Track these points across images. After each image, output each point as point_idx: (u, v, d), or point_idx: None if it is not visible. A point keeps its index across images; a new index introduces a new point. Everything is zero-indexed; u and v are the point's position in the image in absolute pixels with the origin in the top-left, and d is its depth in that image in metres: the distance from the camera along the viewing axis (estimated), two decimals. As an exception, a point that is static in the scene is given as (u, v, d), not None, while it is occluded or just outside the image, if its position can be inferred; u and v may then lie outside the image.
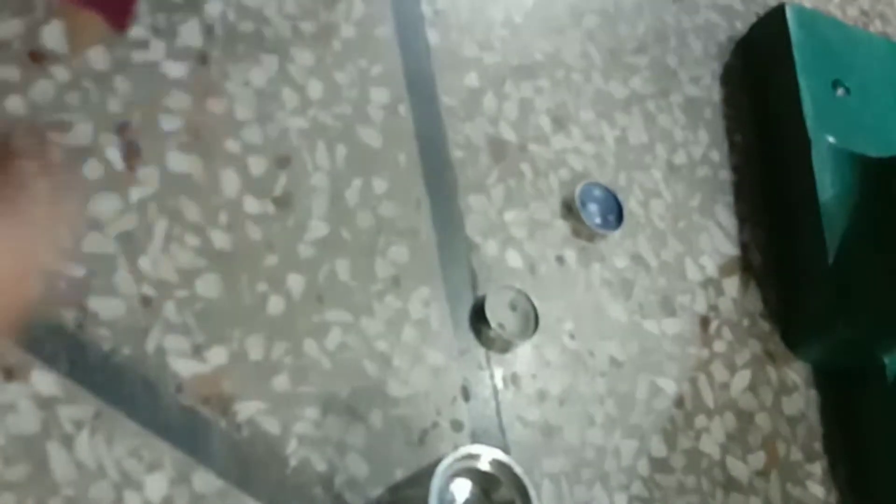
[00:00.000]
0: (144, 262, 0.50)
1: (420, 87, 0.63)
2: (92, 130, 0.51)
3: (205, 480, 0.47)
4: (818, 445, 0.63)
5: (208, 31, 0.57)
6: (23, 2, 0.53)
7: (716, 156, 0.70)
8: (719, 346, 0.62)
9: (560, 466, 0.55)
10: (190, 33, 0.57)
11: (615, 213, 0.64)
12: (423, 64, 0.65)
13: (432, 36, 0.66)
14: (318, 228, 0.55)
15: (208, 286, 0.51)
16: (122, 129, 0.52)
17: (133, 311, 0.48)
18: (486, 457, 0.50)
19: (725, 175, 0.70)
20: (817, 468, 0.62)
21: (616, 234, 0.64)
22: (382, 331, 0.54)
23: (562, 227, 0.63)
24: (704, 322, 0.62)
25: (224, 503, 0.47)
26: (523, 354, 0.57)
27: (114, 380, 0.47)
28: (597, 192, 0.65)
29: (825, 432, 0.63)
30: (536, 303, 0.58)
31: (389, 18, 0.65)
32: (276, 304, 0.52)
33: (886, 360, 0.61)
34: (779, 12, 0.73)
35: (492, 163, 0.63)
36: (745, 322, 0.64)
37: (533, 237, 0.62)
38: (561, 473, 0.55)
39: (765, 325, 0.65)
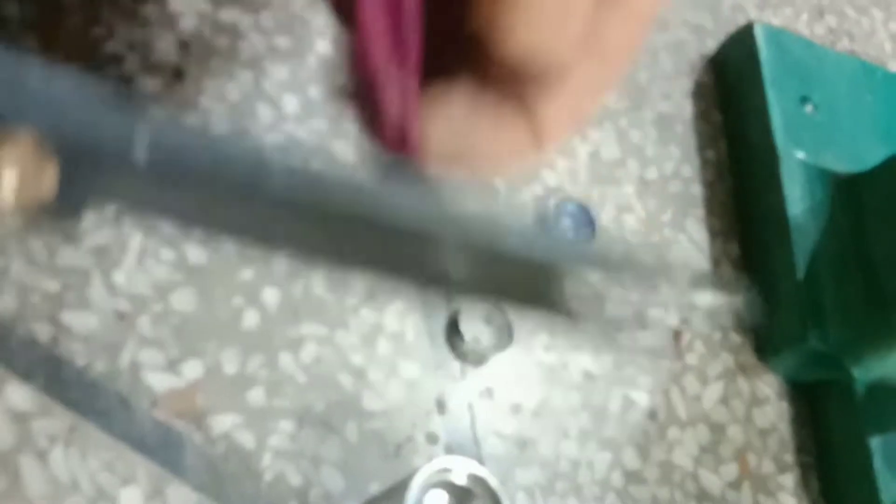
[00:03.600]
0: (119, 276, 0.49)
1: (394, 102, 0.64)
2: (66, 145, 0.51)
3: (179, 494, 0.47)
4: (790, 457, 0.63)
5: (183, 45, 0.57)
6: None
7: (687, 171, 0.71)
8: (691, 359, 0.63)
9: (534, 479, 0.55)
10: (165, 48, 0.57)
11: (588, 227, 0.65)
12: (397, 80, 0.65)
13: (406, 52, 0.66)
14: (293, 242, 0.55)
15: (183, 300, 0.51)
16: (96, 143, 0.52)
17: (107, 326, 0.48)
18: (461, 469, 0.50)
19: (697, 190, 0.70)
20: (789, 480, 0.62)
21: (589, 249, 0.64)
22: (357, 344, 0.54)
23: (535, 241, 0.63)
24: (677, 335, 0.63)
25: (199, 517, 0.47)
26: (498, 367, 0.57)
27: (88, 394, 0.47)
28: (570, 207, 0.65)
29: (797, 444, 0.64)
30: (511, 316, 0.58)
31: (364, 34, 0.65)
32: (251, 318, 0.52)
33: (856, 374, 0.62)
34: (748, 31, 0.74)
35: (466, 178, 0.63)
36: (718, 335, 0.64)
37: (507, 251, 0.62)
38: (535, 486, 0.55)
39: (737, 338, 0.65)
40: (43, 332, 0.47)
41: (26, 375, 0.46)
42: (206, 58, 0.57)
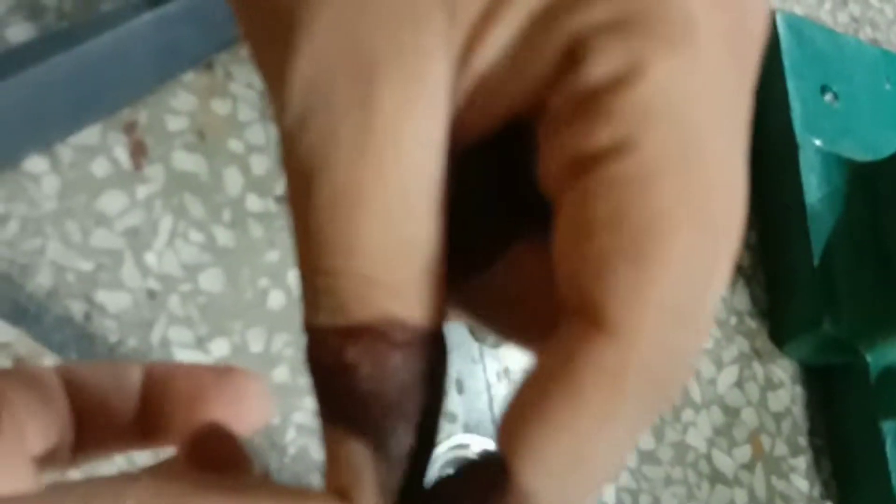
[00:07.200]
0: (150, 257, 0.51)
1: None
2: (100, 129, 0.53)
3: (207, 467, 0.48)
4: (803, 440, 0.64)
5: (213, 34, 0.59)
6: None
7: (706, 158, 0.72)
8: (706, 343, 0.64)
9: (550, 457, 0.56)
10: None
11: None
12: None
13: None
14: (317, 226, 0.56)
15: (211, 281, 0.52)
16: (129, 128, 0.54)
17: (139, 304, 0.50)
18: (478, 446, 0.52)
19: (715, 177, 0.71)
20: (801, 462, 0.63)
21: (608, 234, 0.65)
22: (379, 325, 0.55)
23: (555, 226, 0.64)
24: (692, 319, 0.64)
25: (225, 489, 0.49)
26: (515, 349, 0.59)
27: (120, 370, 0.49)
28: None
29: (810, 428, 0.65)
30: (529, 299, 0.59)
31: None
32: (276, 299, 0.54)
33: (870, 358, 0.63)
34: (769, 19, 0.74)
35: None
36: (733, 320, 0.66)
37: (527, 236, 0.63)
38: (551, 464, 0.56)
39: (752, 323, 0.66)
40: (77, 309, 0.49)
41: (61, 350, 0.48)
42: (235, 46, 0.59)
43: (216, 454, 0.21)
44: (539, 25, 0.16)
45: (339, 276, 0.16)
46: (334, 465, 0.17)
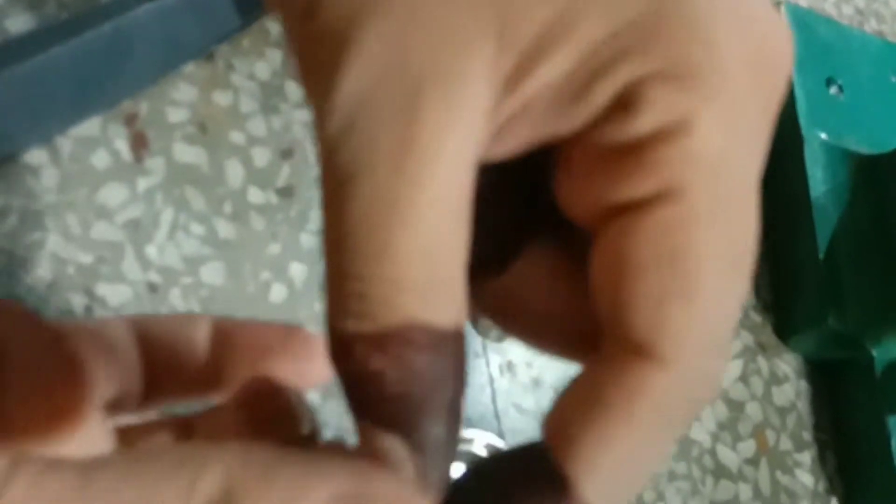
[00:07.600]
0: (151, 250, 0.51)
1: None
2: (100, 121, 0.53)
3: (208, 461, 0.48)
4: (807, 435, 0.64)
5: (214, 25, 0.59)
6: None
7: (710, 151, 0.71)
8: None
9: (553, 452, 0.56)
10: (197, 28, 0.58)
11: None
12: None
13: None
14: (320, 219, 0.56)
15: (213, 274, 0.52)
16: (129, 120, 0.53)
17: (140, 297, 0.50)
18: (481, 441, 0.51)
19: (720, 170, 0.71)
20: (806, 457, 0.63)
21: (612, 227, 0.65)
22: (382, 319, 0.55)
23: (558, 219, 0.64)
24: (697, 313, 0.64)
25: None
26: (518, 343, 0.58)
27: (121, 363, 0.48)
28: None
29: (815, 422, 0.65)
30: (532, 293, 0.59)
31: (392, 14, 0.66)
32: (278, 292, 0.53)
33: (875, 353, 0.63)
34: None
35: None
36: (738, 314, 0.65)
37: (530, 229, 0.63)
38: (554, 459, 0.56)
39: (757, 318, 0.66)
40: (77, 302, 0.48)
41: (62, 345, 0.47)
42: (236, 37, 0.59)
43: (266, 407, 0.23)
44: (591, 66, 0.17)
45: (369, 281, 0.17)
46: (371, 458, 0.18)
